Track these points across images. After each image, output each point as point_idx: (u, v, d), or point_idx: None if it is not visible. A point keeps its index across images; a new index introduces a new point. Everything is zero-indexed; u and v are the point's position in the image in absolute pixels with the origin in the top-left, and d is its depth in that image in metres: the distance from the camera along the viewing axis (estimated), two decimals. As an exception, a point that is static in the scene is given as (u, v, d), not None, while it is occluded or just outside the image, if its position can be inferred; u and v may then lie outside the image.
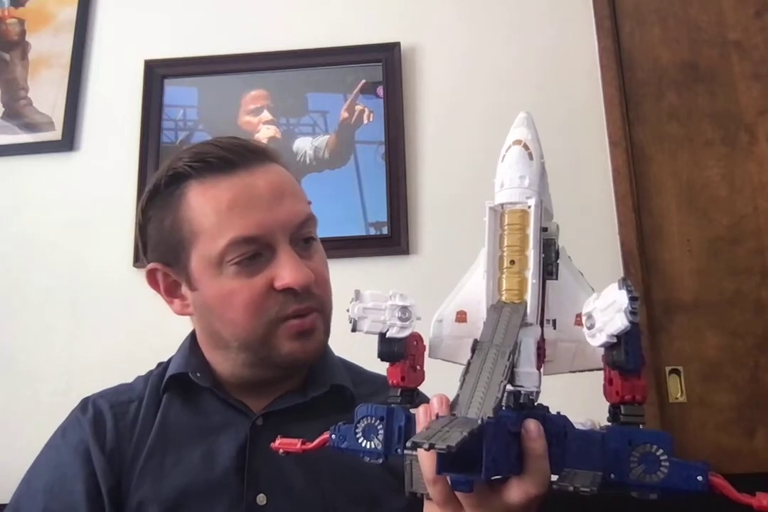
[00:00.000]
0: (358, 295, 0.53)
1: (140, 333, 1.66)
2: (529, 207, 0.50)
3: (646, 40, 1.77)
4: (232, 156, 0.73)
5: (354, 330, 0.53)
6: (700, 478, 0.43)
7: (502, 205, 0.52)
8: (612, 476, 0.45)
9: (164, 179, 0.75)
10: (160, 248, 0.76)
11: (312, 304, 0.73)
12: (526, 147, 0.52)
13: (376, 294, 0.53)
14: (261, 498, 0.72)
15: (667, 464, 0.44)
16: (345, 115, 1.79)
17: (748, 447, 1.52)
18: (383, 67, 1.79)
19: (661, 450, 0.44)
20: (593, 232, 1.64)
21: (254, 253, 0.71)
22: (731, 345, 1.57)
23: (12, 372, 1.70)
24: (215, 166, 0.72)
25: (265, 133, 1.81)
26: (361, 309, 0.52)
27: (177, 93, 1.87)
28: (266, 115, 1.82)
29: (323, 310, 0.75)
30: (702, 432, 1.54)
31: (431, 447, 0.38)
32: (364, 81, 1.81)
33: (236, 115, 1.82)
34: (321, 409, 0.75)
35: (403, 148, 1.74)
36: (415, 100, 1.79)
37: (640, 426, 0.46)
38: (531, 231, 0.50)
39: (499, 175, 0.52)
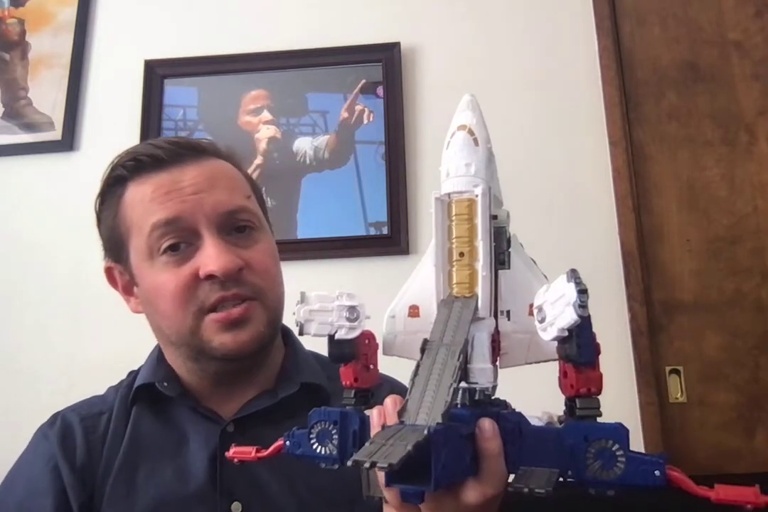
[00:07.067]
0: (303, 297, 0.51)
1: (140, 333, 1.64)
2: (477, 195, 0.48)
3: (646, 40, 1.77)
4: (163, 153, 0.74)
5: (301, 333, 0.51)
6: (657, 473, 0.42)
7: (448, 194, 0.50)
8: (569, 473, 0.44)
9: (108, 181, 0.77)
10: (109, 247, 0.79)
11: (243, 292, 0.71)
12: (471, 132, 0.49)
13: (323, 296, 0.51)
14: (236, 507, 0.70)
15: (623, 459, 0.42)
16: (345, 115, 1.79)
17: (748, 447, 1.52)
18: (383, 67, 1.79)
19: (617, 445, 0.43)
20: (593, 232, 1.64)
21: (178, 239, 0.71)
22: (731, 345, 1.56)
23: (13, 373, 1.70)
24: (147, 165, 0.74)
25: (265, 133, 1.81)
26: (308, 311, 0.50)
27: (177, 93, 1.87)
28: (266, 115, 1.82)
29: (262, 299, 0.73)
30: (702, 432, 1.53)
31: (372, 465, 0.36)
32: (364, 81, 1.80)
33: (236, 115, 1.82)
34: (293, 410, 0.72)
35: (403, 148, 1.74)
36: (415, 100, 1.79)
37: (597, 419, 0.45)
38: (479, 221, 0.48)
39: (444, 162, 0.50)
